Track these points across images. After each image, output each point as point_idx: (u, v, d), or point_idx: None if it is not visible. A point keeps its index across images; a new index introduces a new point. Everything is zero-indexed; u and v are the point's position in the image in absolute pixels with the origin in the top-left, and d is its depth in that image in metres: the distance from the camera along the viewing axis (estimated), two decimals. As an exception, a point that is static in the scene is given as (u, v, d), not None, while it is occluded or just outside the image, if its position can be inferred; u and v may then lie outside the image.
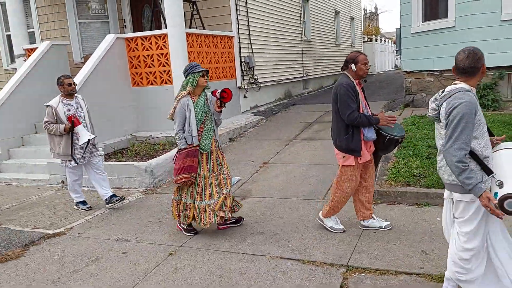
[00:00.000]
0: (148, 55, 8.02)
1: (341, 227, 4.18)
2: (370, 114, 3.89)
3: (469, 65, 2.53)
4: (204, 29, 9.49)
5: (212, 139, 4.26)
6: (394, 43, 24.39)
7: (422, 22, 8.80)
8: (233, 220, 4.50)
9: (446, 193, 2.75)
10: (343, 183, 3.97)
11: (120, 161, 6.71)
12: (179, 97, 4.14)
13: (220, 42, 9.43)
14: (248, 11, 10.49)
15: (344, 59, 3.92)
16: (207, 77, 4.20)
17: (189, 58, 7.94)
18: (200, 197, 4.24)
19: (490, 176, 2.51)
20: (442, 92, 2.64)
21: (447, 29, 8.11)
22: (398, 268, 3.41)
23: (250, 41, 10.64)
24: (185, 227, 4.44)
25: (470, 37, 7.63)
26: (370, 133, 3.83)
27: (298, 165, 6.53)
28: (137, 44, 8.03)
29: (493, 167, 2.53)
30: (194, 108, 4.12)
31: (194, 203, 4.26)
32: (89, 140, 5.18)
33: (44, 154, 7.23)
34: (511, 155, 2.58)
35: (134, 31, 10.65)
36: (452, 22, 8.00)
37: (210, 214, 4.22)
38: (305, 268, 3.54)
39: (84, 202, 5.54)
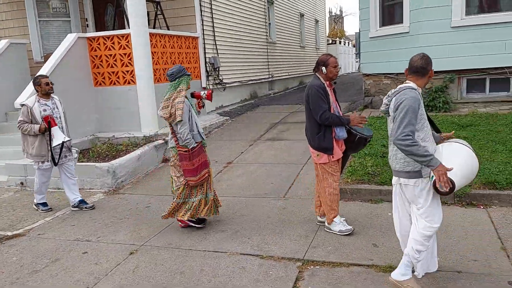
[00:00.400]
0: (110, 55, 7.96)
1: (349, 227, 4.12)
2: (341, 115, 4.07)
3: (421, 65, 2.93)
4: (168, 29, 9.48)
5: None
6: (354, 46, 25.11)
7: (380, 27, 9.19)
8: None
9: (394, 179, 3.12)
10: (326, 181, 4.07)
11: (82, 161, 6.65)
12: (181, 98, 4.19)
13: (185, 42, 9.46)
14: (213, 12, 10.57)
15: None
16: None
17: (152, 58, 7.94)
18: (210, 190, 4.47)
19: None
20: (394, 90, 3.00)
21: (402, 34, 8.51)
22: (350, 260, 3.62)
23: (215, 42, 10.72)
24: (194, 220, 4.51)
25: (423, 42, 8.04)
26: (341, 132, 4.01)
27: (261, 165, 6.69)
28: (99, 44, 7.95)
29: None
30: (192, 107, 4.37)
31: (206, 196, 4.45)
32: (63, 143, 5.12)
33: (1, 155, 7.04)
34: (450, 147, 2.99)
35: (97, 30, 10.48)
36: (406, 28, 8.40)
37: (210, 205, 4.47)
38: (263, 263, 3.69)
39: (45, 204, 5.47)
